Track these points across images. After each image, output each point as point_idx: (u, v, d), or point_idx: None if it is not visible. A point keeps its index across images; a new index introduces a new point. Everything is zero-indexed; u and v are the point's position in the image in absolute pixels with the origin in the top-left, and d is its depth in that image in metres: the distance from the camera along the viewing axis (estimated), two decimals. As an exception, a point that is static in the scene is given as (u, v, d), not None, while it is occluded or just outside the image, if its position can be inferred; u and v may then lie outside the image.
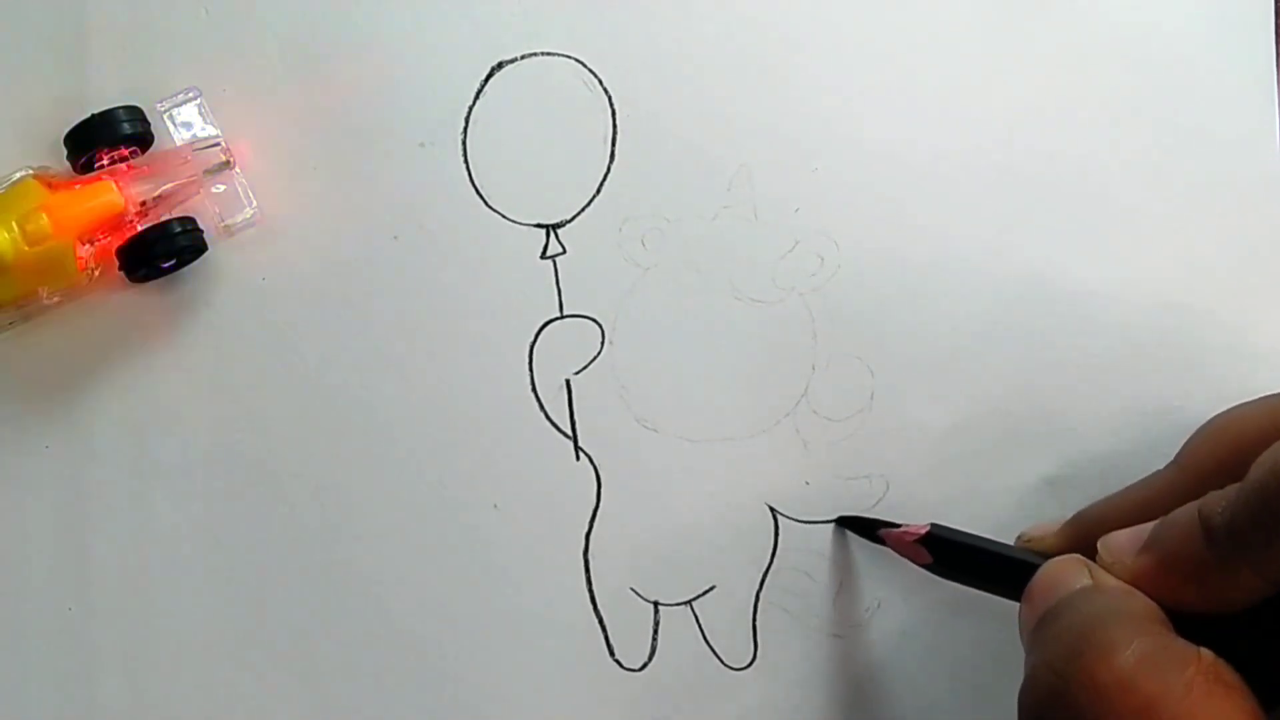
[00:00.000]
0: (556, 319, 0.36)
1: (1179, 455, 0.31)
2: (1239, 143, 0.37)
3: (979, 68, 0.37)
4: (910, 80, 0.37)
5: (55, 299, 0.35)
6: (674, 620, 0.35)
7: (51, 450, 0.35)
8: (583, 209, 0.36)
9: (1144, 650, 0.24)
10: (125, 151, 0.35)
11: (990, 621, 0.35)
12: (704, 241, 0.36)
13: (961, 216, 0.36)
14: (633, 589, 0.35)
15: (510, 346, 0.36)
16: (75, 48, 0.36)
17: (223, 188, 0.36)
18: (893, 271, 0.36)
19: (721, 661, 0.35)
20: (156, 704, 0.35)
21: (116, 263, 0.35)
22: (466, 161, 0.36)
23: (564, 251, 0.36)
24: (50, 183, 0.34)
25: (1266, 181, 0.37)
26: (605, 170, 0.36)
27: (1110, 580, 0.28)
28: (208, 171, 0.35)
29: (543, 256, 0.36)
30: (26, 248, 0.33)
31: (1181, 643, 0.25)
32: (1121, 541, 0.29)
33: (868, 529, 0.35)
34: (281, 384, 0.36)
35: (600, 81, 0.37)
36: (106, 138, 0.35)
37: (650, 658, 0.35)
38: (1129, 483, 0.32)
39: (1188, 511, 0.27)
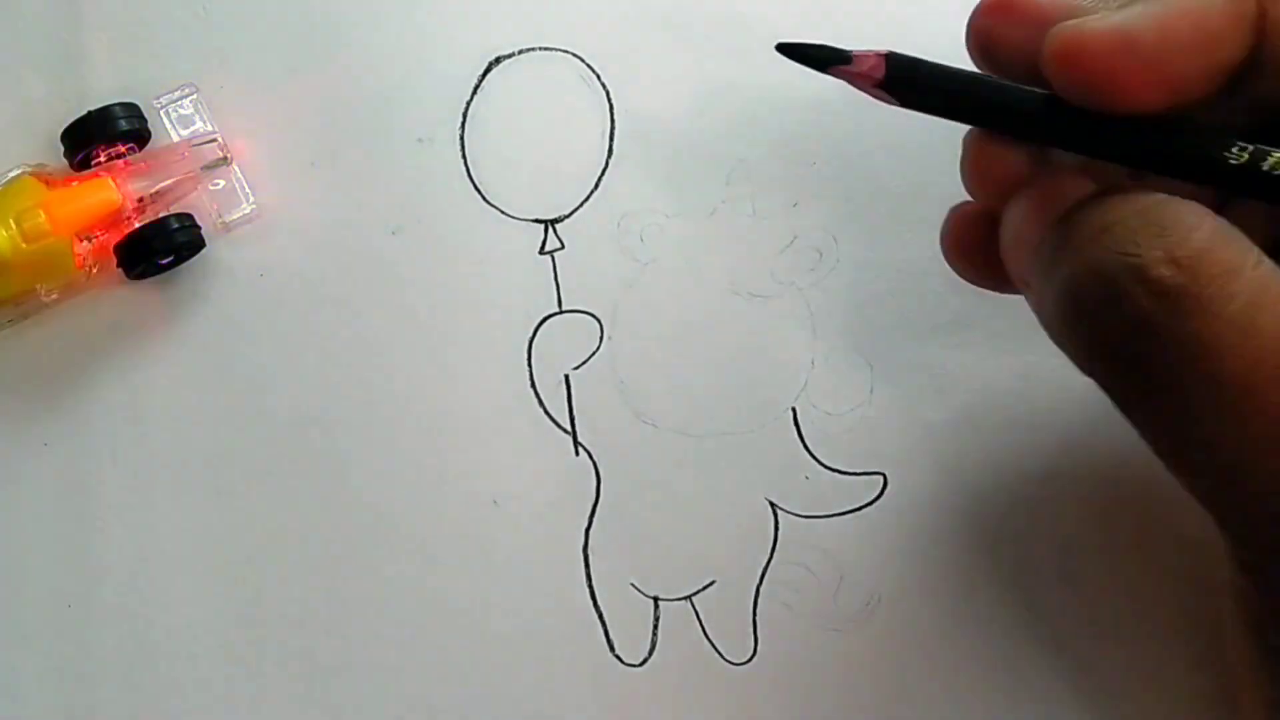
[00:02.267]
0: (555, 314, 0.36)
1: None
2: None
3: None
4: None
5: (53, 296, 0.35)
6: (674, 615, 0.35)
7: (50, 447, 0.35)
8: (581, 204, 0.36)
9: (1212, 223, 0.24)
10: (122, 148, 0.35)
11: (991, 619, 0.35)
12: (702, 236, 0.36)
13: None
14: (632, 584, 0.35)
15: (509, 342, 0.36)
16: (72, 44, 0.36)
17: (220, 184, 0.36)
18: (891, 266, 0.36)
19: (722, 656, 0.35)
20: (156, 701, 0.35)
21: (114, 259, 0.35)
22: (465, 157, 0.36)
23: (562, 247, 0.36)
24: (47, 180, 0.34)
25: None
26: (603, 165, 0.36)
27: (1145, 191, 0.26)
28: (205, 168, 0.35)
29: (541, 252, 0.36)
30: (24, 245, 0.33)
31: (1239, 230, 0.25)
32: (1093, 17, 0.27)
33: (821, 58, 0.30)
34: (280, 380, 0.36)
35: (598, 77, 0.37)
36: (104, 134, 0.35)
37: (650, 653, 0.35)
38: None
39: None
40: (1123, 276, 0.24)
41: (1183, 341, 0.24)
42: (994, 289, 0.31)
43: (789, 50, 0.30)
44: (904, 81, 0.29)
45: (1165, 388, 0.25)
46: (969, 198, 0.31)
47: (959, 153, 0.30)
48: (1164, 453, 0.26)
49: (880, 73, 0.29)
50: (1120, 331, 0.25)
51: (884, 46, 0.29)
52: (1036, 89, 0.27)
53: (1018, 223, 0.28)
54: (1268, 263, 0.24)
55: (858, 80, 0.30)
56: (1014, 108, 0.28)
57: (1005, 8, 0.28)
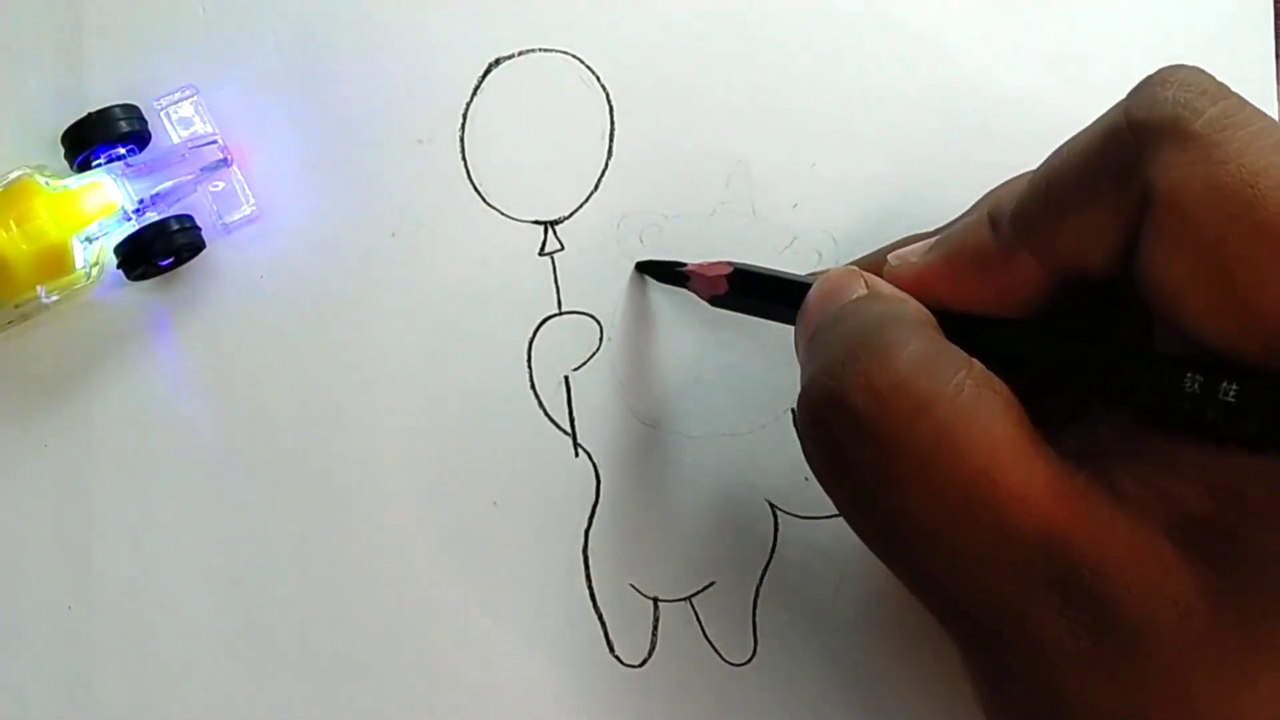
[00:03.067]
0: (555, 315, 0.36)
1: (975, 203, 0.31)
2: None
3: (977, 66, 0.37)
4: (909, 76, 0.37)
5: (53, 297, 0.35)
6: (674, 616, 0.35)
7: (50, 448, 0.35)
8: (581, 205, 0.36)
9: (918, 352, 0.25)
10: (122, 149, 0.35)
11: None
12: (702, 238, 0.36)
13: (959, 213, 0.36)
14: (632, 585, 0.35)
15: (509, 343, 0.36)
16: (72, 46, 0.36)
17: (220, 185, 0.36)
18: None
19: (721, 657, 0.35)
20: (156, 702, 0.35)
21: (114, 261, 0.35)
22: (464, 158, 0.36)
23: (562, 248, 0.36)
24: (47, 181, 0.34)
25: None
26: (603, 166, 0.36)
27: (885, 287, 0.28)
28: (205, 169, 0.35)
29: (541, 253, 0.36)
30: (24, 246, 0.33)
31: (955, 349, 0.26)
32: (910, 250, 0.29)
33: (666, 272, 0.35)
34: (280, 381, 0.36)
35: (598, 78, 0.37)
36: (103, 136, 0.34)
37: (650, 654, 0.35)
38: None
39: (976, 214, 0.28)
40: (823, 403, 0.25)
41: (871, 475, 0.25)
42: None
43: (644, 268, 0.36)
44: (745, 291, 0.33)
45: (863, 513, 0.26)
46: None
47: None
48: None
49: (722, 288, 0.33)
50: (820, 455, 0.26)
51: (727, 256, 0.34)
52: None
53: (805, 313, 0.29)
54: (969, 389, 0.25)
55: (700, 290, 0.34)
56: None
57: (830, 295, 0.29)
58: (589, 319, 0.36)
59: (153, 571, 0.35)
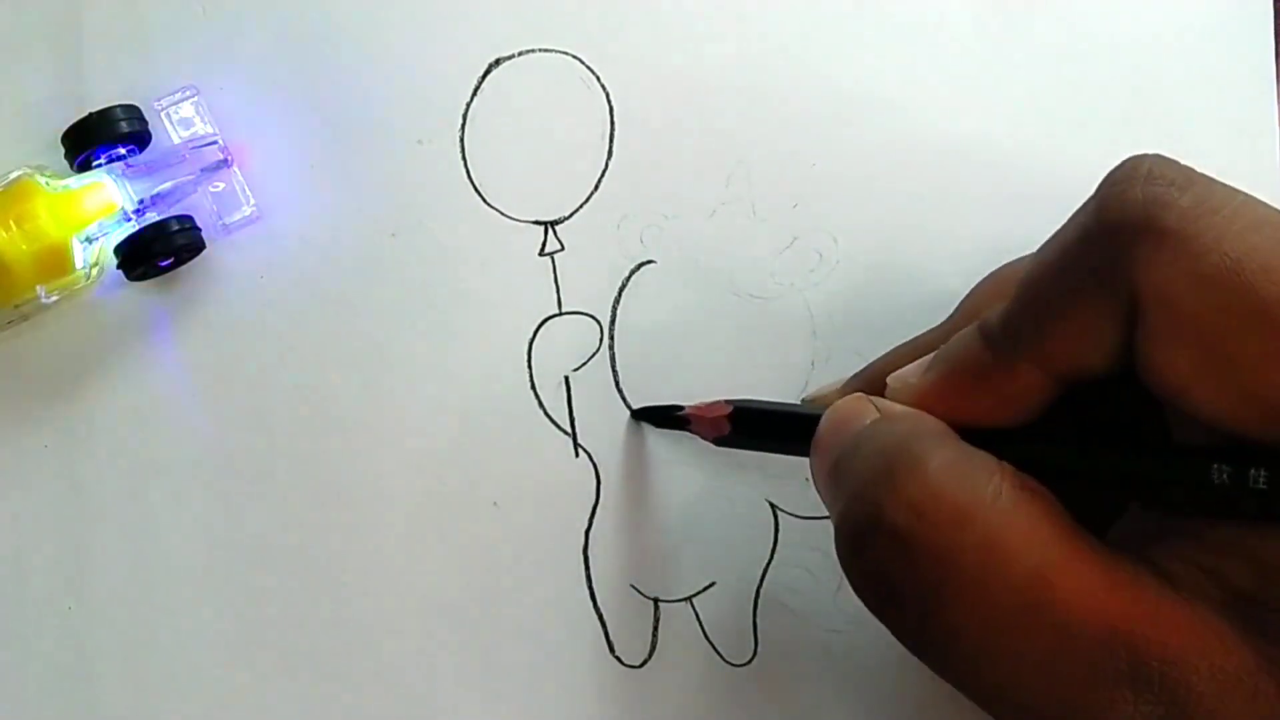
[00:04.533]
0: (555, 316, 0.36)
1: (959, 305, 0.31)
2: (1239, 142, 0.37)
3: (977, 66, 0.37)
4: (909, 76, 0.37)
5: (53, 298, 0.35)
6: (674, 617, 0.35)
7: (50, 449, 0.35)
8: (581, 205, 0.36)
9: (949, 461, 0.25)
10: (123, 150, 0.35)
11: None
12: (702, 238, 0.36)
13: (960, 213, 0.36)
14: (633, 586, 0.35)
15: (509, 343, 0.36)
16: (72, 46, 0.36)
17: (220, 186, 0.36)
18: (892, 267, 0.36)
19: (722, 658, 0.35)
20: (156, 702, 0.35)
21: (114, 261, 0.35)
22: (464, 159, 0.36)
23: (562, 248, 0.36)
24: (48, 181, 0.34)
25: (1266, 181, 0.37)
26: (603, 167, 0.36)
27: (898, 408, 0.28)
28: (205, 170, 0.35)
29: (541, 253, 0.36)
30: (24, 246, 0.33)
31: (983, 453, 0.25)
32: (907, 370, 0.29)
33: (663, 417, 0.35)
34: (280, 382, 0.36)
35: (598, 78, 0.37)
36: (104, 136, 0.35)
37: (650, 654, 0.35)
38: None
39: (969, 328, 0.28)
40: (862, 528, 0.25)
41: (921, 597, 0.24)
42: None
43: (640, 415, 0.36)
44: (748, 430, 0.33)
45: (917, 632, 0.25)
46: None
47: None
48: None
49: (725, 429, 0.33)
50: (866, 583, 0.26)
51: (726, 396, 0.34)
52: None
53: (819, 445, 0.29)
54: (1007, 492, 0.24)
55: (703, 433, 0.34)
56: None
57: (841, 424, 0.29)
58: (589, 319, 0.36)
59: (152, 572, 0.35)
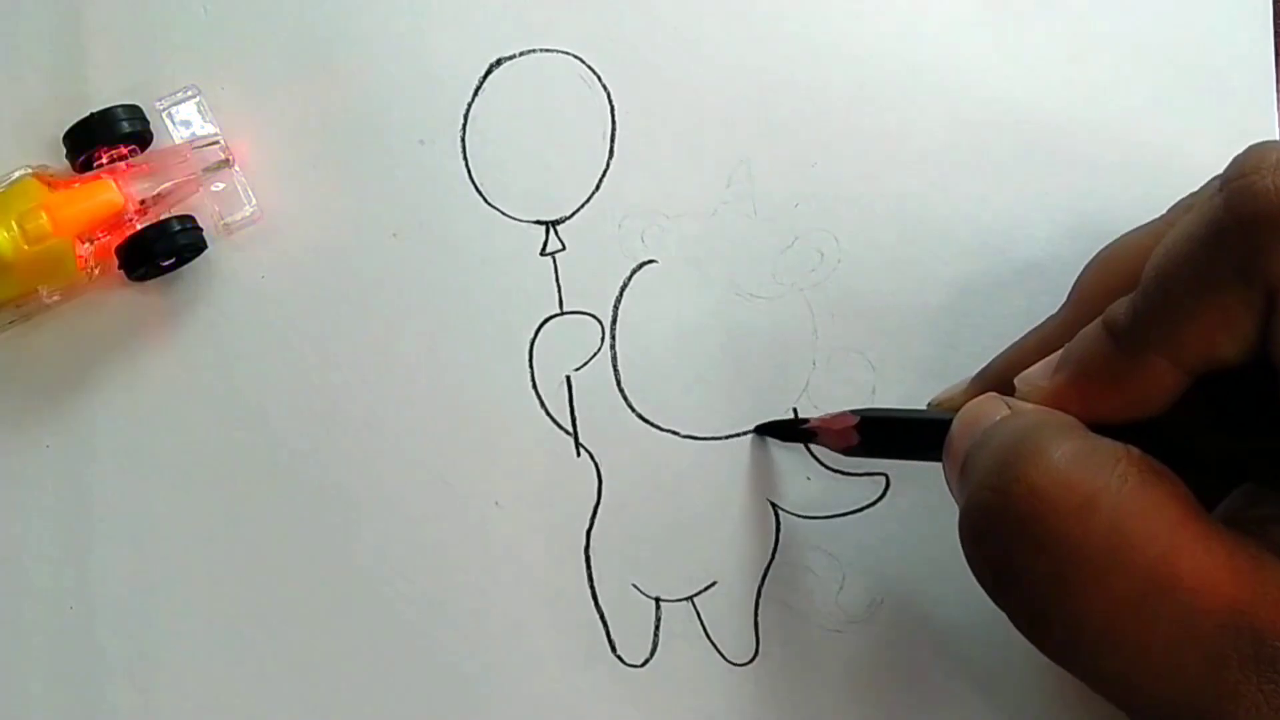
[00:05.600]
0: (556, 315, 0.36)
1: (1070, 294, 0.31)
2: (1239, 143, 0.37)
3: (977, 64, 0.37)
4: (909, 74, 0.37)
5: (55, 298, 0.35)
6: (675, 616, 0.35)
7: (52, 449, 0.35)
8: (582, 205, 0.36)
9: (1074, 448, 0.25)
10: (124, 150, 0.35)
11: (993, 620, 0.35)
12: (704, 237, 0.36)
13: (961, 211, 0.36)
14: (634, 585, 0.35)
15: (510, 343, 0.36)
16: (74, 46, 0.36)
17: (222, 186, 0.36)
18: (893, 266, 0.36)
19: (723, 657, 0.35)
20: (158, 702, 0.35)
21: (116, 261, 0.35)
22: (466, 159, 0.36)
23: (564, 248, 0.36)
24: (49, 181, 0.34)
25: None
26: (604, 166, 0.36)
27: (1028, 405, 0.28)
28: (207, 170, 0.35)
29: (542, 253, 0.36)
30: (26, 246, 0.33)
31: (1108, 440, 0.25)
32: (1034, 372, 0.29)
33: (788, 431, 0.35)
34: (281, 382, 0.36)
35: (599, 78, 0.37)
36: (106, 136, 0.35)
37: (652, 654, 0.35)
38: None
39: (1093, 325, 0.27)
40: (986, 515, 0.25)
41: (1044, 583, 0.24)
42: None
43: (765, 430, 0.35)
44: (876, 438, 0.32)
45: (1039, 619, 0.25)
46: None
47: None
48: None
49: (853, 440, 0.33)
50: (989, 570, 0.26)
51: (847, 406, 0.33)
52: None
53: (951, 445, 0.29)
54: (1134, 477, 0.24)
55: (831, 445, 0.33)
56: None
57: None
58: (590, 319, 0.36)
59: (153, 572, 0.35)
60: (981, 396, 0.29)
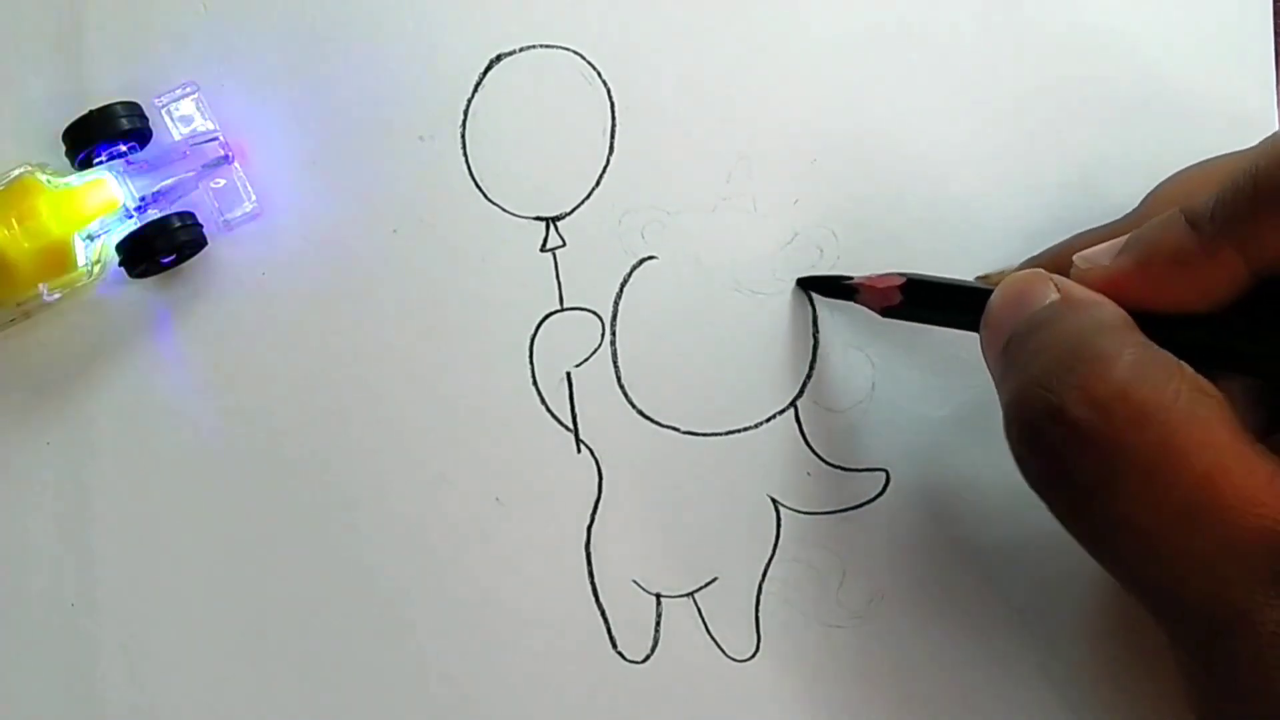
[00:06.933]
0: (556, 312, 0.36)
1: (1142, 202, 0.32)
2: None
3: (978, 64, 0.37)
4: (910, 72, 0.37)
5: (55, 295, 0.35)
6: (676, 612, 0.35)
7: (52, 446, 0.35)
8: (582, 201, 0.36)
9: (1134, 360, 0.25)
10: (124, 147, 0.35)
11: (993, 615, 0.35)
12: (704, 233, 0.36)
13: (961, 209, 0.36)
14: (635, 581, 0.35)
15: (511, 340, 0.36)
16: (72, 44, 0.36)
17: (222, 182, 0.36)
18: (892, 263, 0.36)
19: (724, 653, 0.35)
20: (159, 700, 0.35)
21: (116, 258, 0.35)
22: (466, 155, 0.36)
23: (564, 244, 0.36)
24: (49, 179, 0.34)
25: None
26: (604, 163, 0.36)
27: (1079, 292, 0.28)
28: (206, 166, 0.35)
29: (543, 249, 0.36)
30: (26, 244, 0.33)
31: (1165, 354, 0.26)
32: (1096, 251, 0.29)
33: (830, 286, 0.35)
34: (282, 378, 0.36)
35: (599, 74, 0.37)
36: (105, 133, 0.34)
37: (653, 650, 0.35)
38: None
39: (1169, 213, 0.28)
40: (1041, 415, 0.26)
41: (1093, 483, 0.25)
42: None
43: (806, 284, 0.36)
44: (919, 301, 0.32)
45: (1083, 517, 0.26)
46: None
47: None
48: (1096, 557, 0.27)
49: (895, 300, 0.33)
50: (1036, 464, 0.26)
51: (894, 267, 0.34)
52: None
53: (988, 321, 0.29)
54: (1186, 394, 0.25)
55: (871, 303, 0.33)
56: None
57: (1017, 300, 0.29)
58: (591, 315, 0.36)
59: (154, 569, 0.35)
60: (1028, 271, 0.29)
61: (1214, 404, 0.25)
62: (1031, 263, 0.33)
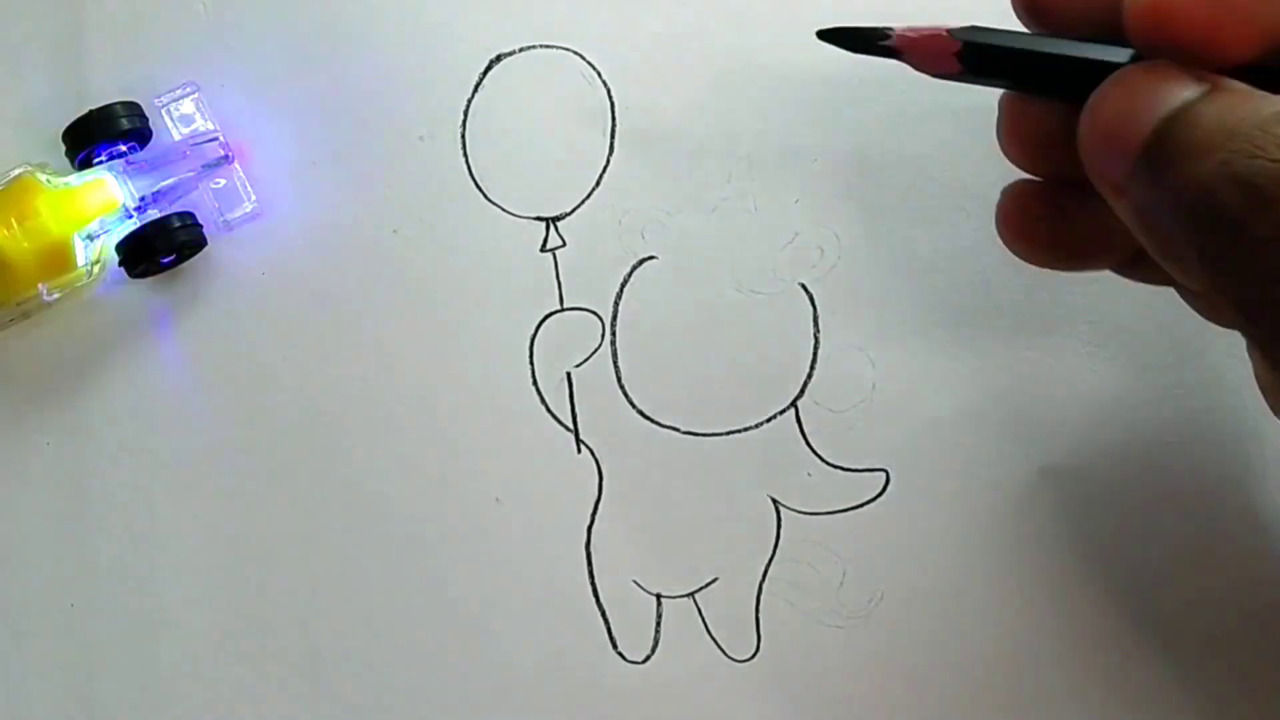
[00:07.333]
0: (557, 312, 0.36)
1: None
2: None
3: (978, 57, 0.37)
4: (910, 72, 0.37)
5: (55, 295, 0.35)
6: (676, 612, 0.35)
7: (52, 446, 0.35)
8: (582, 202, 0.36)
9: None
10: (124, 147, 0.35)
11: (994, 615, 0.35)
12: (704, 233, 0.36)
13: (961, 209, 0.36)
14: (635, 581, 0.35)
15: (511, 340, 0.36)
16: (73, 44, 0.36)
17: (221, 183, 0.36)
18: (893, 262, 0.36)
19: (724, 653, 0.35)
20: (159, 701, 0.35)
21: (116, 258, 0.35)
22: (466, 155, 0.36)
23: (564, 244, 0.36)
24: (49, 179, 0.34)
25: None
26: (604, 163, 0.36)
27: (1226, 81, 0.25)
28: (206, 166, 0.35)
29: (543, 249, 0.36)
30: (26, 244, 0.33)
31: None
32: None
33: (863, 43, 0.29)
34: (282, 378, 0.36)
35: (599, 74, 0.37)
36: (105, 133, 0.35)
37: (653, 650, 0.35)
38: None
39: None
40: (1270, 181, 0.23)
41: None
42: (1057, 267, 0.30)
43: (834, 36, 0.30)
44: (979, 58, 0.28)
45: (1264, 282, 0.23)
46: (1000, 181, 0.30)
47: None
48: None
49: (954, 51, 0.28)
50: (1263, 238, 0.23)
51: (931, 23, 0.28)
52: (1119, 50, 0.26)
53: (1109, 119, 0.26)
54: None
55: (922, 61, 0.28)
56: (1096, 75, 0.26)
57: None
58: (591, 315, 0.36)
59: (154, 569, 0.35)
60: (1149, 64, 0.26)
61: None
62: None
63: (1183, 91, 0.25)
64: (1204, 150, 0.24)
